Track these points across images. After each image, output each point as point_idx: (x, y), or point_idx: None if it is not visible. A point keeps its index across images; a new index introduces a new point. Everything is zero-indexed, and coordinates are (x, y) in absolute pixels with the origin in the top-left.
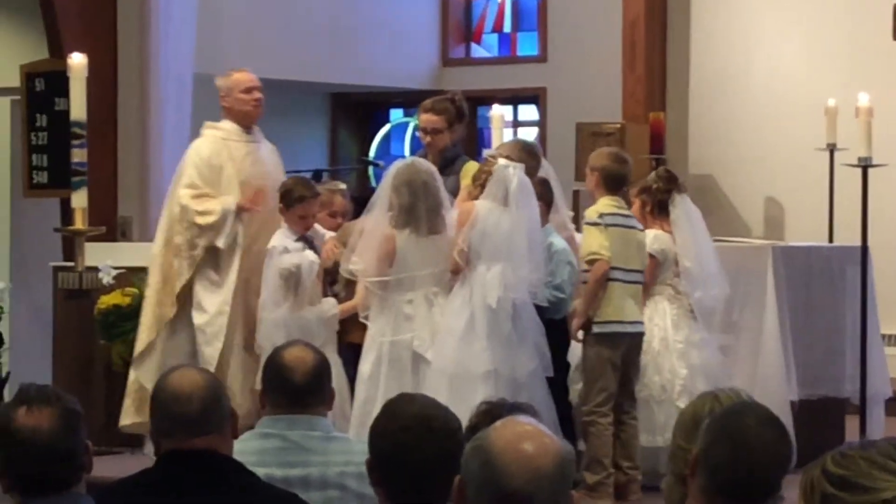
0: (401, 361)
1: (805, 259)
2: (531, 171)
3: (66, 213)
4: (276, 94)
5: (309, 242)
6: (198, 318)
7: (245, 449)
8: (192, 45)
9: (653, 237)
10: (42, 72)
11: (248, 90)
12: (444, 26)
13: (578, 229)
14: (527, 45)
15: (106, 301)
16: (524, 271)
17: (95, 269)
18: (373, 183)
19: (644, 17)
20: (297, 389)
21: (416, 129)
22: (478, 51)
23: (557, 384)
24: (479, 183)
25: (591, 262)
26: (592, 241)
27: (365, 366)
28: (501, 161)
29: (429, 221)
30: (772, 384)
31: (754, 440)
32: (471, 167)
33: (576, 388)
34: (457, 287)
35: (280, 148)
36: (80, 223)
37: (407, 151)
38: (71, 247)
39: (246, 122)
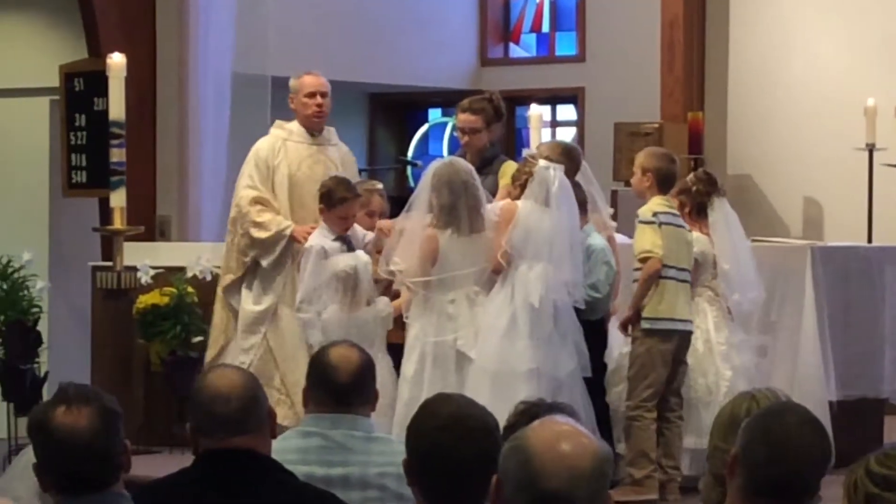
0: (445, 361)
1: (844, 259)
2: (569, 174)
3: (105, 213)
4: None
5: (347, 242)
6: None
7: (287, 447)
8: (231, 44)
9: (693, 239)
10: (81, 72)
11: (311, 94)
12: (482, 26)
13: (618, 229)
14: (565, 44)
15: (144, 300)
16: (564, 273)
17: (134, 269)
18: (411, 183)
19: (683, 16)
20: (340, 388)
21: (454, 128)
22: (516, 51)
23: (594, 385)
24: (520, 183)
25: (643, 260)
26: (646, 240)
27: (408, 366)
28: (542, 162)
29: (470, 221)
30: (810, 384)
31: (793, 440)
32: (509, 167)
33: (615, 390)
34: (497, 286)
35: None
36: (118, 223)
37: (445, 151)
38: (109, 246)
39: (308, 125)
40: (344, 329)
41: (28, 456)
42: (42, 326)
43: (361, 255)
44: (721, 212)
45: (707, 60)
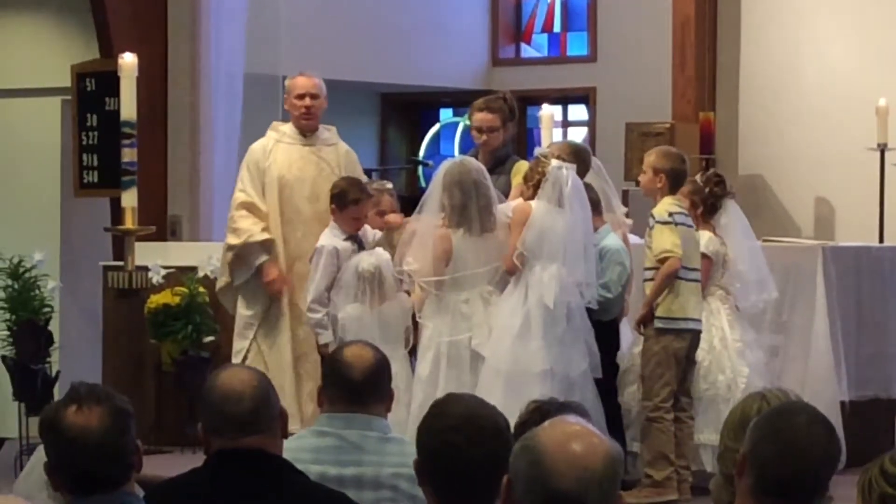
0: (460, 361)
1: (855, 259)
2: (579, 174)
3: (117, 213)
4: (327, 93)
5: (358, 242)
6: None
7: (301, 446)
8: (242, 44)
9: (707, 239)
10: (93, 72)
11: (300, 96)
12: (493, 26)
13: (631, 229)
14: (577, 44)
15: (156, 300)
16: (577, 273)
17: (145, 269)
18: (422, 183)
19: (694, 17)
20: (354, 386)
21: (466, 128)
22: (527, 51)
23: (607, 385)
24: (533, 183)
25: (662, 260)
26: (665, 240)
27: (423, 366)
28: (554, 162)
29: (481, 220)
30: (822, 384)
31: (802, 440)
32: (522, 166)
33: (629, 390)
34: (510, 286)
35: None
36: (130, 223)
37: (456, 151)
38: (121, 246)
39: (298, 126)
40: (367, 328)
41: (40, 455)
42: (53, 326)
43: (382, 253)
44: (732, 213)
45: (718, 61)
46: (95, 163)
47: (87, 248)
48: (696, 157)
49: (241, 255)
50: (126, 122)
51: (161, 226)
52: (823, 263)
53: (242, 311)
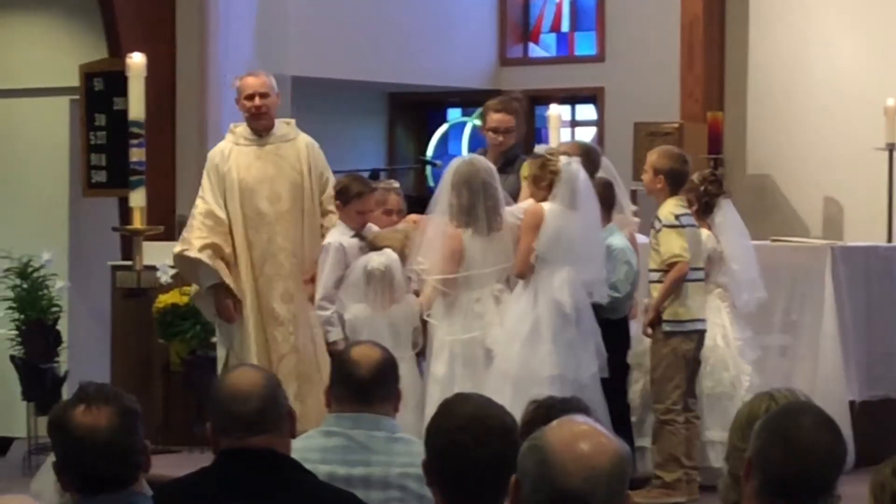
0: (474, 360)
1: (864, 259)
2: (588, 174)
3: (125, 213)
4: (335, 93)
5: (364, 239)
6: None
7: (309, 446)
8: (251, 44)
9: (706, 237)
10: (101, 71)
11: (249, 97)
12: (501, 26)
13: (640, 229)
14: (585, 44)
15: (164, 300)
16: (585, 273)
17: (153, 269)
18: (430, 182)
19: (702, 16)
20: (360, 383)
21: (474, 128)
22: (535, 50)
23: (616, 384)
24: (546, 183)
25: (672, 265)
26: (673, 244)
27: (437, 366)
28: (563, 158)
29: (488, 220)
30: (831, 384)
31: (808, 441)
32: (530, 164)
33: (633, 387)
34: (519, 289)
35: (338, 147)
36: (138, 222)
37: (465, 151)
38: (129, 246)
39: (252, 127)
40: (374, 328)
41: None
42: (62, 326)
43: (391, 253)
44: (727, 212)
45: (727, 60)
46: (104, 163)
47: (95, 247)
48: (704, 156)
49: (182, 266)
50: (134, 122)
51: (169, 225)
52: (832, 263)
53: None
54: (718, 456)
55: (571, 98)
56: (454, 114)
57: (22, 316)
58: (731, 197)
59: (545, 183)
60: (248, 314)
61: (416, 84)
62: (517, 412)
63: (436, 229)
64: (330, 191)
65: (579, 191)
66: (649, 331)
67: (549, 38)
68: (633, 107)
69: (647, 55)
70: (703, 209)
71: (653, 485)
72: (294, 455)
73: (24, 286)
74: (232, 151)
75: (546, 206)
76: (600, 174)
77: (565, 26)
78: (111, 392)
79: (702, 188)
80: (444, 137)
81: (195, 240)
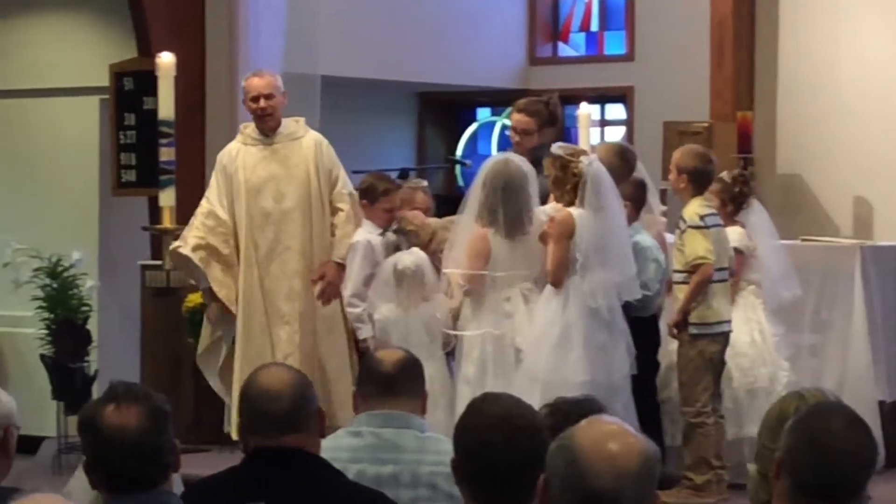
0: (504, 360)
1: (894, 258)
2: (622, 175)
3: (154, 212)
4: (364, 93)
5: (403, 231)
6: None
7: (338, 445)
8: (280, 43)
9: (740, 234)
10: (130, 71)
11: (254, 98)
12: (531, 25)
13: (668, 229)
14: (614, 43)
15: (193, 299)
16: (615, 273)
17: None
18: (460, 182)
19: (732, 15)
20: (385, 378)
21: (504, 127)
22: (565, 49)
23: (646, 383)
24: (569, 187)
25: (696, 267)
26: (698, 245)
27: (468, 367)
28: (584, 160)
29: (514, 223)
30: (860, 384)
31: (837, 443)
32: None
33: (674, 386)
34: (549, 292)
35: (367, 146)
36: (167, 222)
37: (494, 150)
38: (159, 245)
39: (259, 127)
40: (404, 327)
41: None
42: (92, 325)
43: (420, 252)
44: (758, 211)
45: (757, 59)
46: (133, 162)
47: (125, 247)
48: (734, 156)
49: (177, 263)
50: (164, 122)
51: None
52: (862, 263)
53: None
54: (749, 454)
55: (601, 97)
56: (483, 113)
57: (52, 315)
58: (758, 197)
59: (568, 186)
60: (252, 314)
61: (445, 83)
62: None
63: (463, 228)
64: (340, 188)
65: (605, 192)
66: (675, 332)
67: (579, 38)
68: (663, 106)
69: (676, 54)
70: (736, 209)
71: (682, 486)
72: (324, 454)
73: (54, 286)
74: (240, 152)
75: (575, 212)
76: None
77: (595, 25)
78: (141, 391)
79: (735, 189)
80: (474, 137)
81: (191, 238)
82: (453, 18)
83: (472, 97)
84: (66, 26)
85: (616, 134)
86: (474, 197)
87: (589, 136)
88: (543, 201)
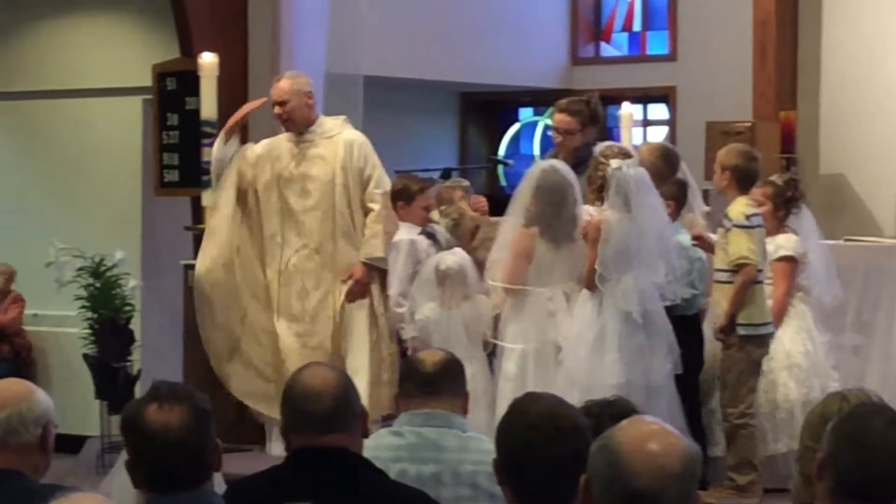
0: (546, 359)
1: None
2: (665, 176)
3: (197, 212)
4: (407, 93)
5: (432, 236)
6: None
7: (380, 444)
8: (323, 44)
9: (795, 241)
10: (173, 71)
11: (275, 104)
12: (573, 25)
13: (710, 229)
14: (657, 43)
15: None
16: (654, 275)
17: None
18: (502, 182)
19: (775, 15)
20: (426, 377)
21: (546, 127)
22: (607, 49)
23: (689, 382)
24: (595, 188)
25: (739, 266)
26: (742, 245)
27: (509, 365)
28: (613, 162)
29: (565, 229)
30: None
31: (880, 443)
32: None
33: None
34: (586, 295)
35: (409, 146)
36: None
37: (536, 150)
38: (201, 245)
39: (287, 129)
40: (445, 326)
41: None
42: (135, 325)
43: (461, 252)
44: (805, 214)
45: (799, 59)
46: (176, 162)
47: (167, 246)
48: (777, 155)
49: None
50: (206, 122)
51: None
52: None
53: None
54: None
55: (643, 97)
56: (526, 113)
57: (95, 315)
58: (807, 202)
59: (595, 186)
60: (266, 309)
61: (487, 83)
62: None
63: (509, 228)
64: (372, 188)
65: (632, 195)
66: (721, 336)
67: (621, 38)
68: (705, 106)
69: (719, 54)
70: (788, 214)
71: (725, 486)
72: (365, 454)
73: (98, 285)
74: (278, 147)
75: (606, 216)
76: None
77: (637, 25)
78: (183, 391)
79: (788, 193)
80: (516, 137)
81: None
82: (496, 18)
83: (514, 97)
84: (109, 27)
85: (658, 134)
86: (521, 202)
87: (631, 137)
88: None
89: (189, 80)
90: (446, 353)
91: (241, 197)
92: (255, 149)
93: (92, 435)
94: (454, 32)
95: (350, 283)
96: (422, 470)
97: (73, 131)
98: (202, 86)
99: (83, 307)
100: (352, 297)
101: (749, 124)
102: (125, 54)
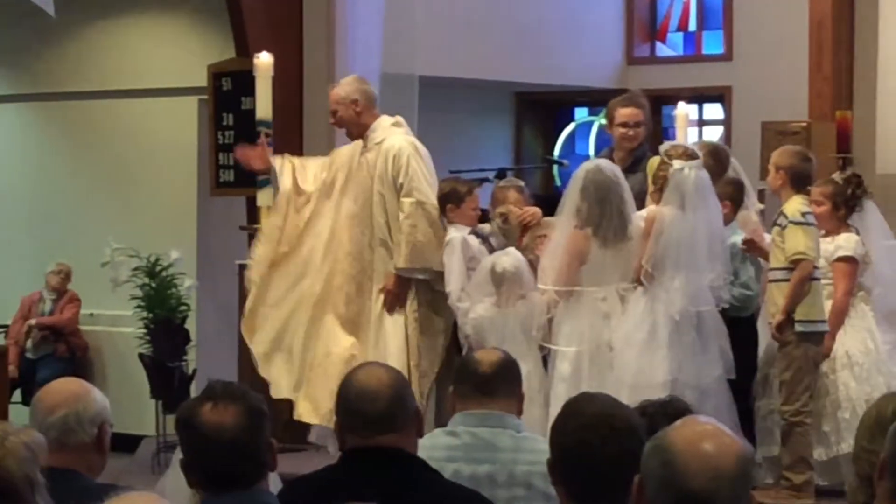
0: (601, 359)
1: None
2: (715, 174)
3: (252, 212)
4: (461, 93)
5: (482, 236)
6: None
7: (434, 444)
8: (378, 43)
9: (855, 241)
10: (229, 71)
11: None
12: (628, 25)
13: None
14: (712, 43)
15: None
16: (707, 277)
17: None
18: (557, 182)
19: (831, 15)
20: (483, 378)
21: (601, 128)
22: (662, 49)
23: (742, 384)
24: (658, 187)
25: (795, 262)
26: (799, 241)
27: (564, 365)
28: (676, 163)
29: (615, 227)
30: None
31: None
32: (654, 161)
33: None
34: (639, 294)
35: (464, 146)
36: (264, 221)
37: (591, 150)
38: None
39: (347, 136)
40: (499, 325)
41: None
42: (190, 324)
43: (516, 252)
44: (870, 213)
45: (856, 59)
46: (231, 162)
47: (222, 246)
48: (833, 156)
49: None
50: (261, 122)
51: None
52: None
53: None
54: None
55: (699, 97)
56: (581, 113)
57: (150, 315)
58: (872, 197)
59: (657, 186)
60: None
61: (542, 83)
62: None
63: (561, 230)
64: (403, 196)
65: (689, 196)
66: (778, 334)
67: (677, 37)
68: (761, 106)
69: (775, 54)
70: (849, 212)
71: (781, 486)
72: (420, 453)
73: (153, 285)
74: (352, 151)
75: (662, 210)
76: (729, 173)
77: (692, 25)
78: (238, 390)
79: (848, 191)
80: (571, 137)
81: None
82: (551, 18)
83: (569, 97)
84: (165, 27)
85: (713, 134)
86: (571, 202)
87: (686, 136)
88: (639, 200)
89: (244, 81)
90: (503, 353)
91: (309, 199)
92: (340, 151)
93: (147, 434)
94: (509, 32)
95: (386, 294)
96: (476, 470)
97: (129, 131)
98: (258, 86)
99: (138, 307)
100: (387, 306)
101: (805, 124)
102: (181, 54)
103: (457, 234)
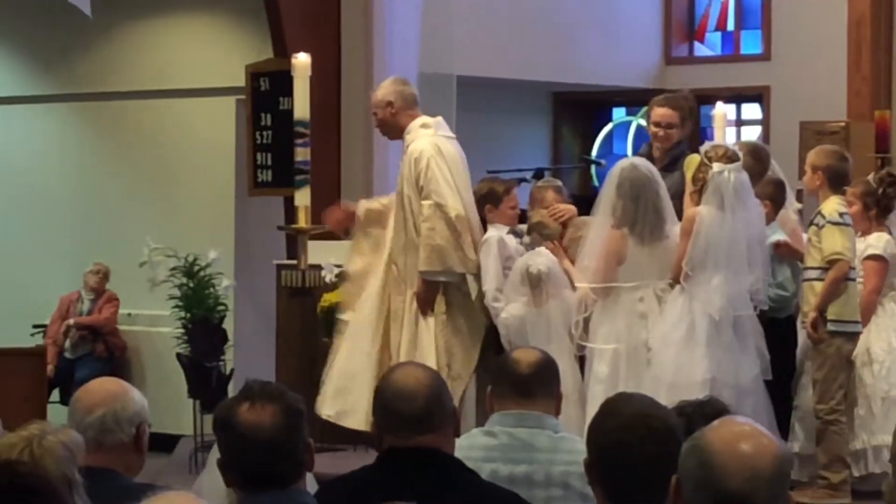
0: (638, 360)
1: None
2: (756, 175)
3: (290, 212)
4: (499, 93)
5: (520, 235)
6: None
7: (472, 444)
8: (416, 44)
9: (886, 241)
10: (267, 71)
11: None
12: (666, 25)
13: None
14: (750, 43)
15: (328, 299)
16: (745, 282)
17: (318, 268)
18: (595, 182)
19: (870, 15)
20: (521, 379)
21: (639, 127)
22: (701, 49)
23: (780, 385)
24: (697, 188)
25: (832, 262)
26: (836, 241)
27: (601, 366)
28: (716, 166)
29: (651, 226)
30: None
31: None
32: (693, 160)
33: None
34: (676, 293)
35: (502, 146)
36: (303, 221)
37: (629, 150)
38: (294, 245)
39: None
40: (533, 325)
41: (216, 452)
42: (228, 324)
43: (546, 252)
44: None
45: (894, 58)
46: (269, 162)
47: (260, 246)
48: (871, 155)
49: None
50: (299, 122)
51: None
52: None
53: None
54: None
55: (737, 97)
56: (619, 113)
57: (188, 314)
58: None
59: (697, 187)
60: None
61: (580, 83)
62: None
63: (598, 230)
64: (422, 198)
65: (728, 198)
66: (812, 333)
67: (715, 37)
68: (799, 106)
69: (813, 54)
70: (882, 212)
71: (818, 485)
72: (458, 453)
73: (191, 285)
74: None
75: (701, 209)
76: (769, 173)
77: (731, 25)
78: (276, 390)
79: (880, 190)
80: (609, 137)
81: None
82: (589, 18)
83: (607, 97)
84: (203, 27)
85: (752, 134)
86: (607, 200)
87: (724, 136)
88: (676, 199)
89: (282, 81)
90: (541, 353)
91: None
92: None
93: (185, 434)
94: (547, 32)
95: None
96: (514, 470)
97: (166, 131)
98: (295, 86)
99: (176, 307)
100: (420, 309)
101: (843, 124)
102: (219, 54)
103: (494, 233)
